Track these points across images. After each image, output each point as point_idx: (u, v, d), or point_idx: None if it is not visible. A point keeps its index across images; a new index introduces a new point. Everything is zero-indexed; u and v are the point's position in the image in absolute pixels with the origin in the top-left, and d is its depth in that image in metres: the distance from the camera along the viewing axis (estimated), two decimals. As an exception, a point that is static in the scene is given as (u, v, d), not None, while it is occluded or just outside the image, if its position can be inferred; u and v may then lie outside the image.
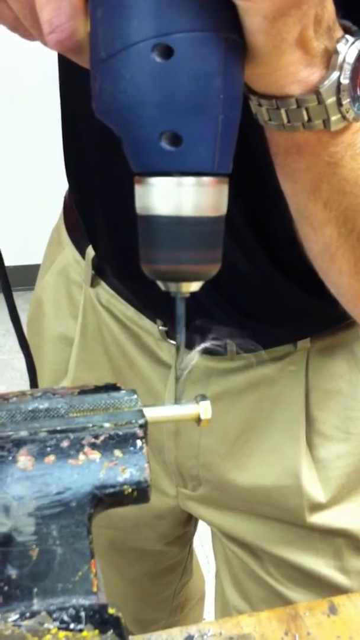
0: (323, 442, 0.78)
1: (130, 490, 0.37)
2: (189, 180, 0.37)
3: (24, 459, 0.37)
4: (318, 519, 0.79)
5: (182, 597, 1.14)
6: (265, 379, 0.76)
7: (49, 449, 0.37)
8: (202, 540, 1.14)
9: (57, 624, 0.35)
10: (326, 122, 0.42)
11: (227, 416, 0.78)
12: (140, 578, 1.05)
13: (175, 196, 0.37)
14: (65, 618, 0.35)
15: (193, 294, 0.41)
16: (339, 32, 0.40)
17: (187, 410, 0.42)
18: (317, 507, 0.78)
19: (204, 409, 0.42)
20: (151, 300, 0.75)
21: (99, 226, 0.75)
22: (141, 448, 0.38)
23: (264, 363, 0.76)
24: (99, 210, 0.74)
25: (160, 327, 0.77)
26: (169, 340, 0.77)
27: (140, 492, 0.37)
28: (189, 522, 1.00)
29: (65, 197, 0.87)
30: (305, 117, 0.41)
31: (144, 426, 0.39)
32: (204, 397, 0.43)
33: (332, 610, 0.58)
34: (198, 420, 0.42)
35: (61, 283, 0.87)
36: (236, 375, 0.77)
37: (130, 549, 0.99)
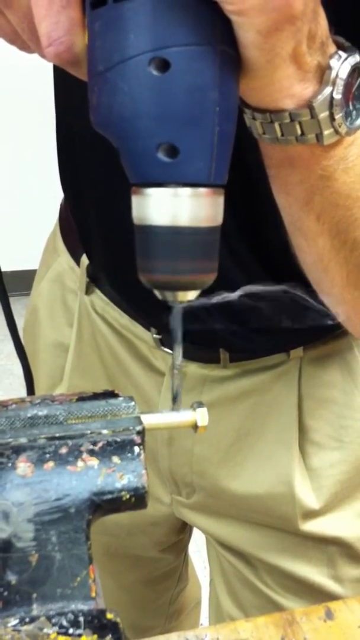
0: (316, 451, 0.78)
1: (128, 496, 0.38)
2: (186, 191, 0.37)
3: (23, 466, 0.37)
4: (311, 526, 0.79)
5: (178, 604, 1.14)
6: (258, 387, 0.77)
7: (47, 455, 0.38)
8: (199, 546, 1.14)
9: (56, 629, 0.35)
10: (319, 136, 0.42)
11: (221, 424, 0.78)
12: (135, 585, 1.05)
13: (171, 207, 0.38)
14: (64, 623, 0.35)
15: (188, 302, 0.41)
16: (332, 48, 0.41)
17: (184, 417, 0.43)
18: (310, 514, 0.79)
19: (201, 416, 0.43)
20: (145, 309, 0.76)
21: (93, 235, 0.76)
22: (139, 455, 0.39)
23: (257, 371, 0.76)
24: (93, 219, 0.74)
25: (155, 335, 0.77)
26: (162, 348, 0.78)
27: (137, 499, 0.38)
28: (184, 529, 1.00)
29: (61, 205, 0.88)
30: (299, 131, 0.42)
31: (141, 433, 0.40)
32: (200, 404, 0.43)
33: (329, 615, 0.58)
34: (195, 427, 0.43)
35: (56, 290, 0.87)
36: (229, 383, 0.77)
37: (125, 556, 0.99)
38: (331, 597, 0.81)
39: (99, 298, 0.82)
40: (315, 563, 0.81)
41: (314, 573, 0.82)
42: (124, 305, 0.79)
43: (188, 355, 0.76)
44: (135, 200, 0.39)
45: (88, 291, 0.83)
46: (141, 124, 0.36)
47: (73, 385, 0.86)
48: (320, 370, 0.76)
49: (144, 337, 0.79)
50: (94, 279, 0.82)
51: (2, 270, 0.62)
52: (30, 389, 0.69)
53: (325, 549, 0.81)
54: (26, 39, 0.41)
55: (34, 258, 1.02)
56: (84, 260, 0.81)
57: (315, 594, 0.81)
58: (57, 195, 0.85)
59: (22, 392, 0.48)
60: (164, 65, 0.35)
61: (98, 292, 0.82)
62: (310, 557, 0.81)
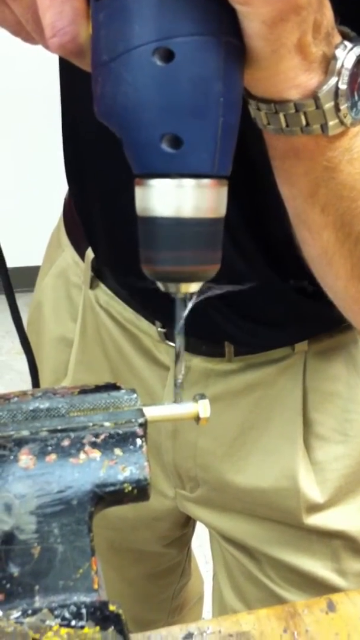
0: (320, 444, 0.78)
1: (130, 488, 0.38)
2: (189, 182, 0.37)
3: (25, 458, 0.37)
4: (315, 520, 0.79)
5: (181, 599, 1.14)
6: (263, 380, 0.77)
7: (50, 448, 0.38)
8: (201, 541, 1.14)
9: (58, 620, 0.35)
10: (324, 127, 0.42)
11: (225, 417, 0.78)
12: (139, 579, 1.05)
13: (175, 198, 0.37)
14: (67, 615, 0.35)
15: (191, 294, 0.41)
16: (337, 38, 0.41)
17: (186, 409, 0.43)
18: (314, 508, 0.78)
19: (203, 408, 0.43)
20: (150, 302, 0.75)
21: (98, 228, 0.76)
22: (141, 447, 0.39)
23: (262, 365, 0.76)
24: (98, 212, 0.74)
25: (159, 329, 0.77)
26: (167, 342, 0.78)
27: (140, 490, 0.38)
28: (187, 523, 1.00)
29: (65, 199, 0.87)
30: (304, 122, 0.42)
31: (143, 425, 0.40)
32: (202, 396, 0.43)
33: (331, 607, 0.58)
34: (197, 419, 0.43)
35: (60, 285, 0.87)
36: (234, 377, 0.77)
37: (128, 550, 0.99)
38: (335, 590, 0.81)
39: (103, 292, 0.82)
40: (319, 557, 0.81)
41: (318, 567, 0.82)
42: (129, 299, 0.79)
43: (192, 349, 0.76)
44: (138, 191, 0.39)
45: (92, 285, 0.83)
46: (145, 114, 0.36)
47: (77, 380, 0.86)
48: (325, 363, 0.76)
49: (149, 330, 0.79)
50: (99, 273, 0.82)
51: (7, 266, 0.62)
52: (36, 383, 0.69)
53: (330, 543, 0.81)
54: (30, 30, 0.41)
55: (37, 254, 1.03)
56: (89, 254, 0.81)
57: (319, 588, 0.81)
58: (60, 191, 0.85)
59: (23, 387, 0.47)
60: (168, 56, 0.35)
61: (102, 286, 0.82)
62: (314, 551, 0.81)
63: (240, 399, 0.78)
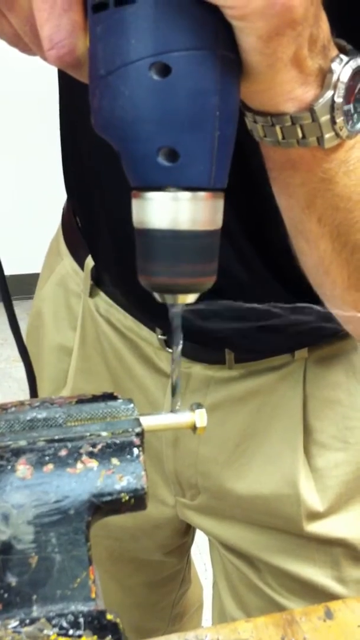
0: (321, 452, 0.78)
1: (127, 497, 0.38)
2: (185, 195, 0.37)
3: (22, 468, 0.37)
4: (316, 528, 0.79)
5: (180, 607, 1.14)
6: (263, 388, 0.77)
7: (47, 457, 0.38)
8: (200, 549, 1.14)
9: (56, 630, 0.35)
10: (320, 140, 0.42)
11: (226, 425, 0.78)
12: (138, 588, 1.05)
13: (171, 210, 0.38)
14: (64, 624, 0.35)
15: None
16: (333, 51, 0.41)
17: (183, 418, 0.43)
18: (314, 516, 0.78)
19: (200, 417, 0.43)
20: (150, 309, 0.76)
21: (99, 236, 0.76)
22: (138, 456, 0.39)
23: (262, 372, 0.77)
24: (100, 220, 0.74)
25: (160, 336, 0.78)
26: (167, 349, 0.78)
27: (137, 500, 0.38)
28: (188, 532, 1.00)
29: (63, 208, 0.88)
30: (300, 134, 0.42)
31: (140, 434, 0.40)
32: (199, 405, 0.43)
33: (328, 615, 0.58)
34: (194, 428, 0.43)
35: (60, 293, 0.88)
36: (235, 384, 0.77)
37: (129, 559, 0.99)
38: (335, 598, 0.80)
39: (102, 300, 0.82)
40: (319, 565, 0.81)
41: (318, 575, 0.81)
42: (129, 307, 0.80)
43: (193, 356, 0.76)
44: (135, 203, 0.39)
45: (92, 294, 0.83)
46: (142, 128, 0.37)
47: (77, 388, 0.86)
48: (325, 371, 0.77)
49: (149, 338, 0.79)
50: (98, 281, 0.82)
51: (5, 274, 0.62)
52: (34, 393, 0.69)
53: (330, 551, 0.81)
54: (28, 42, 0.41)
55: (35, 262, 1.03)
56: (88, 262, 0.81)
57: (319, 596, 0.81)
58: (59, 198, 0.85)
59: (21, 395, 0.48)
60: (164, 70, 0.36)
61: (102, 294, 0.82)
62: (314, 559, 0.81)
63: (240, 406, 0.78)
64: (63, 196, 0.83)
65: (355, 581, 0.82)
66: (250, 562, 0.85)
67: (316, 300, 0.55)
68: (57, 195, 0.92)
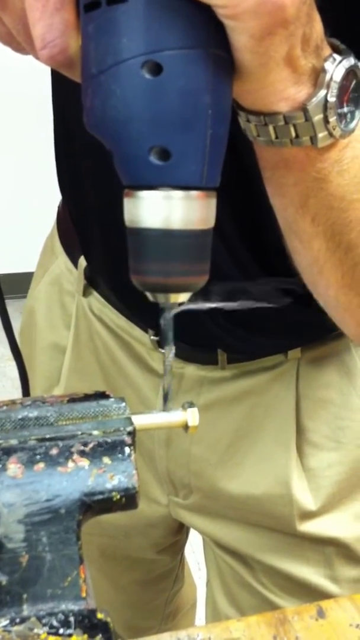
0: (314, 451, 0.78)
1: (118, 496, 0.38)
2: (178, 194, 0.37)
3: (13, 467, 0.37)
4: (308, 527, 0.79)
5: (174, 605, 1.14)
6: (256, 388, 0.77)
7: (38, 456, 0.38)
8: (194, 547, 1.14)
9: (46, 629, 0.35)
10: (313, 139, 0.42)
11: (219, 425, 0.78)
12: (131, 586, 1.05)
13: (163, 209, 0.38)
14: (55, 623, 0.35)
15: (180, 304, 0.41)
16: (327, 51, 0.41)
17: (175, 417, 0.43)
18: (307, 515, 0.79)
19: (192, 416, 0.43)
20: (143, 310, 0.76)
21: (92, 236, 0.76)
22: (129, 455, 0.39)
23: (255, 372, 0.77)
24: (92, 220, 0.74)
25: (152, 337, 0.77)
26: (160, 349, 0.78)
27: (128, 499, 0.38)
28: (181, 530, 1.00)
29: (58, 207, 0.88)
30: (293, 134, 0.42)
31: (132, 433, 0.40)
32: (191, 404, 0.43)
33: (320, 614, 0.58)
34: (185, 427, 0.43)
35: (54, 292, 0.88)
36: (227, 385, 0.77)
37: (121, 557, 0.99)
38: (328, 597, 0.81)
39: (96, 300, 0.82)
40: (312, 564, 0.81)
41: (311, 574, 0.82)
42: (122, 307, 0.80)
43: (186, 357, 0.76)
44: (127, 202, 0.39)
45: (85, 293, 0.83)
46: (133, 127, 0.37)
47: (70, 387, 0.86)
48: (317, 371, 0.77)
49: (141, 338, 0.79)
50: (92, 281, 0.82)
51: None
52: (26, 391, 0.69)
53: (323, 550, 0.81)
54: (21, 41, 0.41)
55: (29, 261, 1.03)
56: (82, 262, 0.81)
57: (312, 595, 0.81)
58: (54, 197, 0.85)
59: (15, 394, 0.48)
60: (156, 69, 0.36)
61: (95, 293, 0.82)
62: (307, 558, 0.81)
63: (233, 406, 0.78)
64: (58, 195, 0.83)
65: (347, 580, 0.82)
66: (244, 561, 0.85)
67: (311, 300, 0.55)
68: (52, 194, 0.92)
